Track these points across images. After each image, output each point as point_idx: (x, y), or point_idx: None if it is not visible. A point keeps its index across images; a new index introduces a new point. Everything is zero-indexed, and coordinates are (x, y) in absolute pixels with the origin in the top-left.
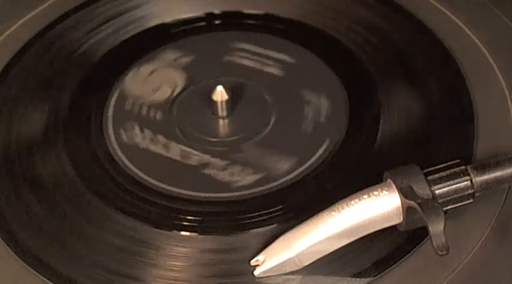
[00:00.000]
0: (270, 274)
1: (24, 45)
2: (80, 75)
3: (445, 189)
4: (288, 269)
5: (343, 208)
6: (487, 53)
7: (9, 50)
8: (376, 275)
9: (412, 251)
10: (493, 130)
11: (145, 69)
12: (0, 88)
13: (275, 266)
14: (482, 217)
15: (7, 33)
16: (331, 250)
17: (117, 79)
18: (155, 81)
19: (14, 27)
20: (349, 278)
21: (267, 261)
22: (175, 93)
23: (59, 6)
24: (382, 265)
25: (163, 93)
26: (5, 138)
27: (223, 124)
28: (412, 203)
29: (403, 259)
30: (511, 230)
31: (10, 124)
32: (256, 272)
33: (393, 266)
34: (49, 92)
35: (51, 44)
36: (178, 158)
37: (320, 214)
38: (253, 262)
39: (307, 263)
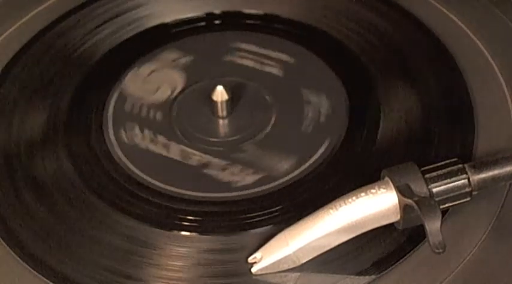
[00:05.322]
0: (268, 272)
1: (24, 45)
2: (80, 75)
3: (442, 187)
4: (286, 266)
5: (340, 206)
6: (487, 53)
7: (9, 50)
8: (375, 275)
9: (411, 251)
10: (492, 129)
11: (145, 69)
12: (0, 88)
13: (272, 264)
14: (482, 216)
15: (7, 33)
16: (329, 247)
17: (117, 79)
18: (155, 81)
19: (14, 27)
20: (348, 277)
21: (264, 258)
22: (175, 93)
23: (59, 7)
24: (382, 264)
25: (163, 93)
26: (5, 138)
27: (223, 124)
28: (409, 201)
29: (402, 259)
30: (511, 230)
31: (10, 124)
32: (254, 270)
33: (393, 266)
34: (49, 92)
35: (51, 44)
36: (178, 158)
37: (318, 212)
38: (250, 260)
39: (304, 261)
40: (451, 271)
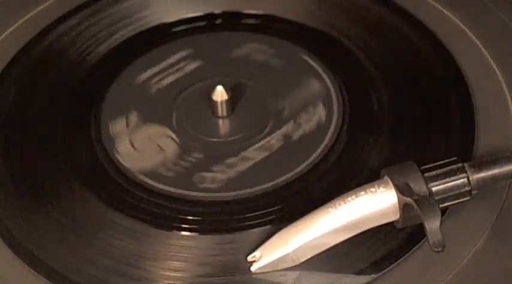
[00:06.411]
0: (267, 270)
1: (25, 45)
2: (79, 75)
3: (441, 186)
4: (285, 265)
5: (340, 205)
6: (486, 53)
7: (9, 50)
8: (375, 274)
9: (411, 251)
10: (492, 130)
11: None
12: (0, 88)
13: (272, 262)
14: (482, 216)
15: (7, 33)
16: (328, 246)
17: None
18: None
19: (14, 27)
20: (347, 276)
21: (263, 257)
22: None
23: (58, 7)
24: (381, 264)
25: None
26: (4, 138)
27: (223, 124)
28: (409, 200)
29: (402, 259)
30: (511, 230)
31: (10, 124)
32: (253, 268)
33: (392, 265)
34: (49, 92)
35: (51, 44)
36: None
37: (317, 211)
38: (249, 258)
39: (303, 260)
40: (451, 270)
